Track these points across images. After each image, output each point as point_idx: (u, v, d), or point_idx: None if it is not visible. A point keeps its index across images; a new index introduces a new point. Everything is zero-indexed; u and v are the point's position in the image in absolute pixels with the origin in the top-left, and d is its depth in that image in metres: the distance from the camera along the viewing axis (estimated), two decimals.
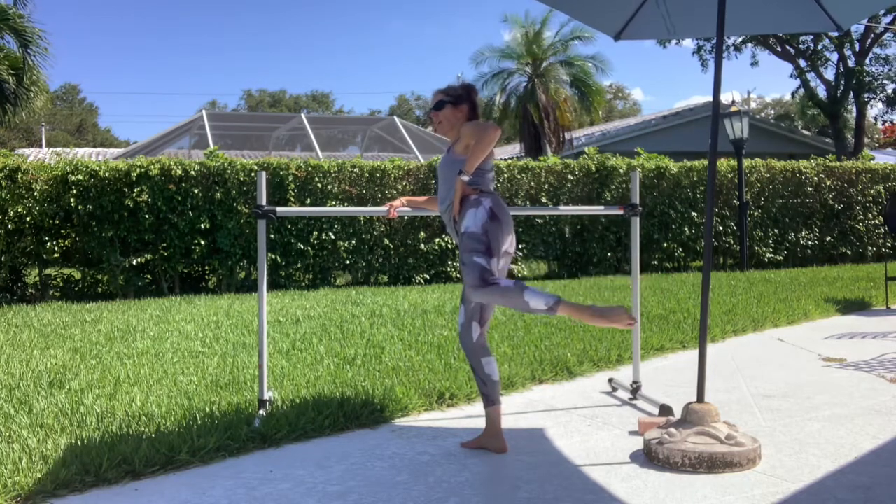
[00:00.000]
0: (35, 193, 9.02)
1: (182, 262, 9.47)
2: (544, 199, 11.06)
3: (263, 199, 3.65)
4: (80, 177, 8.96)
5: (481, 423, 3.37)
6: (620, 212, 4.08)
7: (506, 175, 10.86)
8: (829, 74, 23.02)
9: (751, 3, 3.90)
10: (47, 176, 9.11)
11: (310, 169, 9.86)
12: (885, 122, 26.68)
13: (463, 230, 3.02)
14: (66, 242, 9.31)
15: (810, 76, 23.21)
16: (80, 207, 8.96)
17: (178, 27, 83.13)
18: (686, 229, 11.83)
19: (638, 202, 4.09)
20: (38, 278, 9.45)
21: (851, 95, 22.20)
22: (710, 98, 19.93)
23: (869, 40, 21.94)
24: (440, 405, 3.97)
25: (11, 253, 8.99)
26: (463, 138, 3.13)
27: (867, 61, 22.04)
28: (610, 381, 4.33)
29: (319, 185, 9.88)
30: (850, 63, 22.04)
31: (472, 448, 3.23)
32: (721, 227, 12.18)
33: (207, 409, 3.63)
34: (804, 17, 3.94)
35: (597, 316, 2.80)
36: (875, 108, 25.37)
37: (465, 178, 3.05)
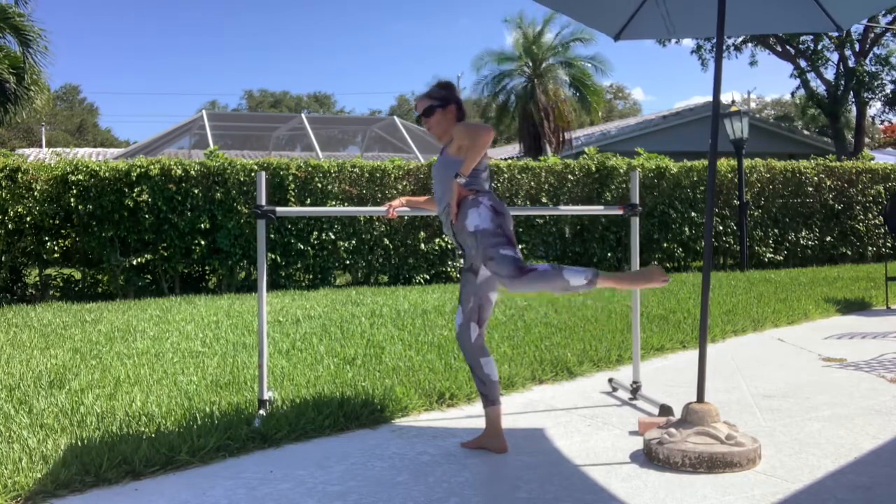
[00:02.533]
0: (35, 193, 9.02)
1: (182, 262, 9.47)
2: (544, 199, 11.06)
3: (263, 199, 3.65)
4: (80, 177, 8.96)
5: (481, 423, 3.37)
6: (620, 212, 4.08)
7: (506, 175, 10.86)
8: (829, 74, 23.03)
9: (751, 3, 3.89)
10: (47, 176, 9.11)
11: (310, 169, 9.86)
12: (883, 121, 26.67)
13: (473, 230, 3.00)
14: (66, 242, 9.31)
15: (810, 76, 23.20)
16: (80, 207, 8.96)
17: (179, 27, 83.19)
18: (686, 229, 11.82)
19: (638, 202, 4.09)
20: (38, 278, 9.45)
21: (851, 95, 22.19)
22: (709, 98, 19.94)
23: (869, 40, 21.93)
24: (440, 405, 3.97)
25: (11, 253, 8.99)
26: (456, 140, 3.13)
27: (867, 61, 22.03)
28: (610, 381, 4.33)
29: (319, 185, 9.88)
30: (851, 63, 22.04)
31: (472, 448, 3.23)
32: (721, 227, 12.18)
33: (207, 409, 3.63)
34: (804, 17, 3.94)
35: (635, 279, 2.90)
36: (874, 108, 25.36)
37: (462, 180, 3.05)
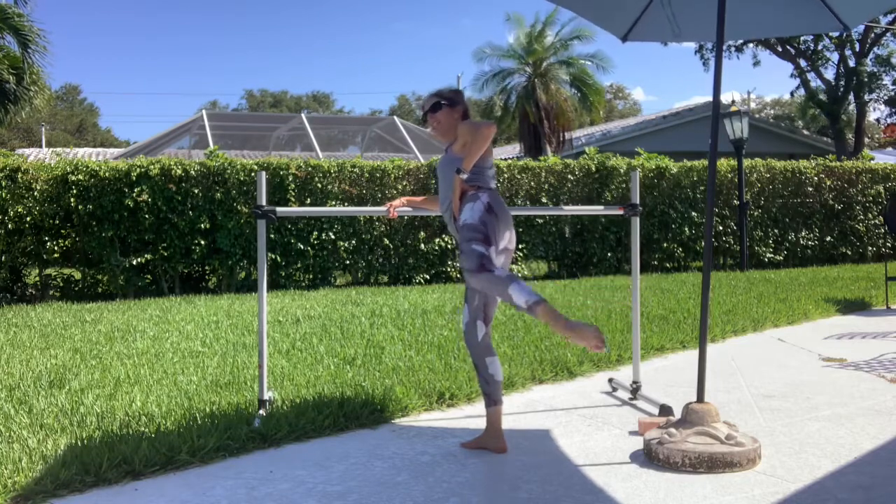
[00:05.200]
0: (35, 193, 9.02)
1: (182, 262, 9.47)
2: (544, 199, 11.05)
3: (263, 199, 3.65)
4: (80, 177, 8.96)
5: (481, 423, 3.37)
6: (620, 212, 4.08)
7: (506, 175, 10.85)
8: (830, 74, 23.03)
9: (756, 7, 3.89)
10: (47, 176, 9.11)
11: (310, 169, 9.86)
12: (887, 123, 26.66)
13: (461, 223, 3.04)
14: (66, 242, 9.31)
15: (810, 76, 23.21)
16: (80, 207, 8.96)
17: (179, 27, 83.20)
18: (686, 229, 11.82)
19: (638, 202, 4.09)
20: (38, 278, 9.44)
21: (852, 95, 22.19)
22: (709, 98, 19.95)
23: (869, 40, 21.93)
24: (440, 405, 3.97)
25: (11, 253, 8.98)
26: (460, 137, 3.15)
27: (867, 61, 22.03)
28: (610, 381, 4.33)
29: (319, 185, 9.88)
30: (851, 63, 22.04)
31: (473, 448, 3.23)
32: (721, 227, 12.18)
33: (207, 409, 3.63)
34: (810, 18, 3.92)
35: (568, 329, 2.71)
36: (877, 111, 25.37)
37: (463, 175, 3.07)
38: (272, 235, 9.66)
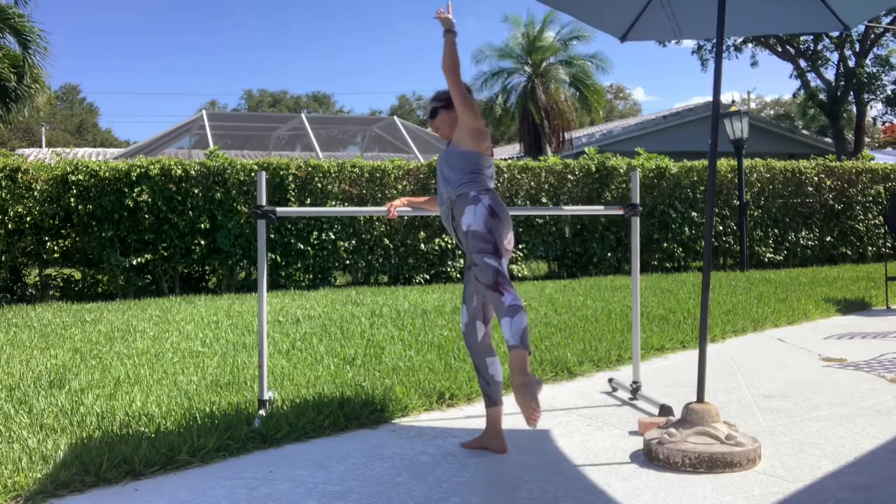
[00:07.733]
0: (35, 193, 9.02)
1: (182, 262, 9.47)
2: (544, 199, 11.05)
3: (263, 199, 3.65)
4: (80, 177, 8.96)
5: (481, 423, 3.37)
6: (620, 212, 4.08)
7: (506, 175, 10.85)
8: (830, 74, 23.01)
9: (757, 3, 3.89)
10: (47, 176, 9.11)
11: (310, 169, 9.86)
12: (884, 122, 26.65)
13: (465, 228, 3.03)
14: (66, 242, 9.31)
15: (810, 76, 23.19)
16: (80, 207, 8.96)
17: (179, 27, 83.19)
18: (686, 229, 11.82)
19: (638, 202, 4.09)
20: (38, 278, 9.44)
21: (852, 95, 22.18)
22: (709, 98, 19.94)
23: (869, 41, 21.92)
24: (440, 405, 3.97)
25: (11, 253, 8.98)
26: (459, 124, 3.19)
27: (867, 62, 22.02)
28: (610, 381, 4.33)
29: (319, 185, 9.88)
30: (851, 63, 22.03)
31: (473, 448, 3.23)
32: (721, 227, 12.18)
33: (207, 409, 3.63)
34: (810, 17, 3.93)
35: (521, 387, 2.73)
36: (874, 109, 25.35)
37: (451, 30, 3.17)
38: (272, 235, 9.66)
